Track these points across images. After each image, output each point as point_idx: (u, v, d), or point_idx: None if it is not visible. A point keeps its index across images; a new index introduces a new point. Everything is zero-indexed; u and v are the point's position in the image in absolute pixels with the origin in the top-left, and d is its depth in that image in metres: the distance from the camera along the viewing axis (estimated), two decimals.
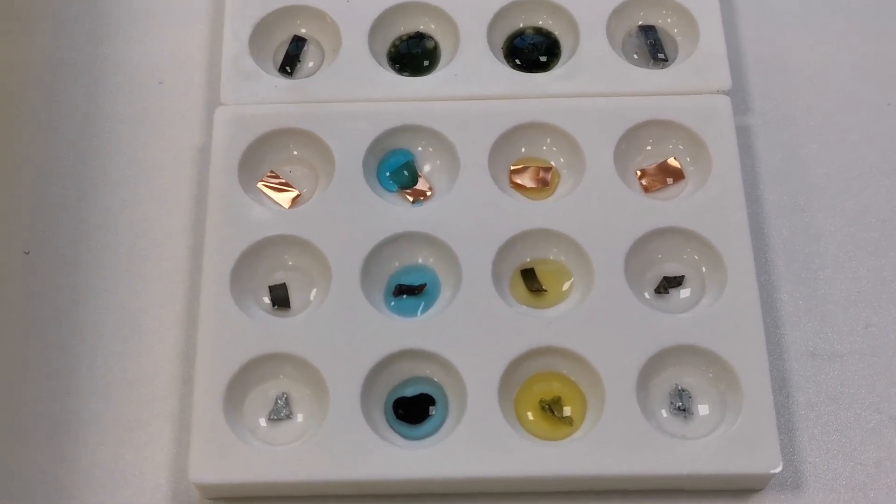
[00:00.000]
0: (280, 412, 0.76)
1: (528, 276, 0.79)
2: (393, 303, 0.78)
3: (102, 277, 0.79)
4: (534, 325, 0.77)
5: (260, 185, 0.80)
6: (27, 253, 0.77)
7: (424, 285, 0.78)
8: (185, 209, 0.81)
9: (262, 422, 0.75)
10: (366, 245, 0.78)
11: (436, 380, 0.76)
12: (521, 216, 0.79)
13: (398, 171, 0.80)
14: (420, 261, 0.80)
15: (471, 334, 0.76)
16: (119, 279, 0.79)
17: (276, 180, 0.80)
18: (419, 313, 0.78)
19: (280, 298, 0.78)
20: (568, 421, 0.76)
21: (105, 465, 0.74)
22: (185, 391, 0.77)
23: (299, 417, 0.75)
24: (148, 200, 0.80)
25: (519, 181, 0.80)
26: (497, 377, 0.75)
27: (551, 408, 0.76)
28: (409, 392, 0.76)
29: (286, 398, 0.76)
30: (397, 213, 0.79)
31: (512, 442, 0.73)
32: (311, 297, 0.78)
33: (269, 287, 0.78)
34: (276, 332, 0.76)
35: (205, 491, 0.74)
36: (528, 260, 0.80)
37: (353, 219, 0.79)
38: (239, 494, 0.74)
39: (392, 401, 0.76)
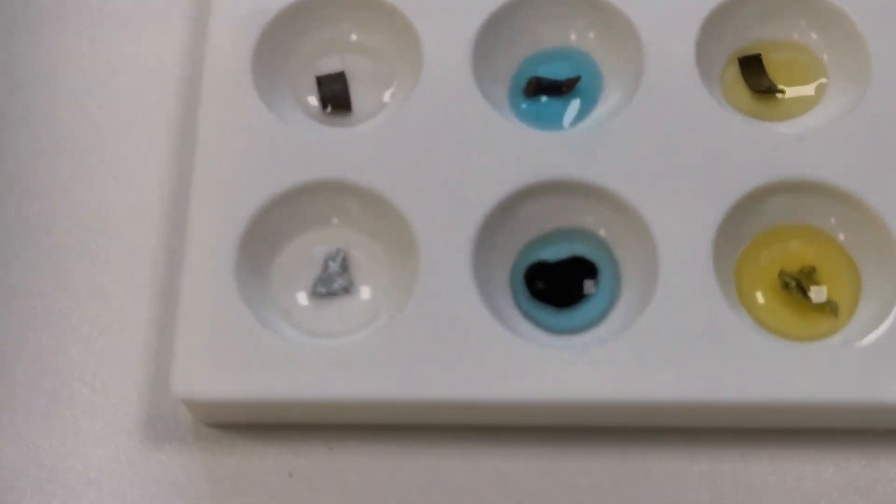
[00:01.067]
0: (332, 282, 0.52)
1: (753, 67, 0.56)
2: (525, 105, 0.55)
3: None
4: (767, 146, 0.53)
5: None
6: None
7: (578, 79, 0.55)
8: None
9: (303, 298, 0.52)
10: (480, 9, 0.55)
11: (599, 234, 0.53)
12: None
13: None
14: (573, 38, 0.56)
15: (658, 158, 0.52)
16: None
17: None
18: (567, 123, 0.55)
19: (335, 96, 0.55)
20: (829, 308, 0.51)
21: (43, 371, 0.53)
22: (172, 244, 0.54)
23: (364, 291, 0.52)
24: None
25: None
26: (709, 233, 0.51)
27: (799, 285, 0.52)
28: (553, 254, 0.53)
29: (343, 259, 0.52)
30: None
31: (732, 342, 0.49)
32: (386, 98, 0.56)
33: (318, 79, 0.56)
34: (329, 148, 0.53)
35: (201, 413, 0.51)
36: (753, 41, 0.56)
37: None
38: (261, 420, 0.51)
39: (525, 268, 0.53)
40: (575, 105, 0.55)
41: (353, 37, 0.55)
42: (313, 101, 0.55)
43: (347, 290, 0.51)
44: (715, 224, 0.50)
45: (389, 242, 0.52)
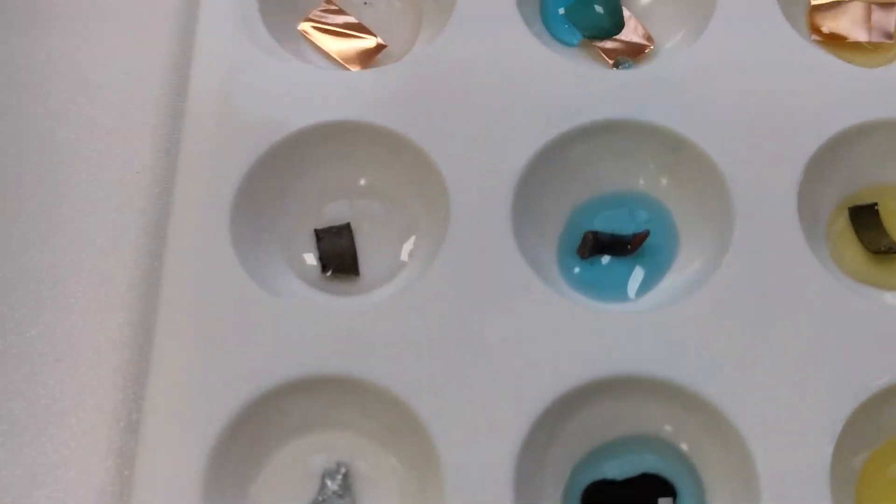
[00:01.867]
0: None
1: (865, 218, 0.45)
2: (578, 269, 0.45)
3: None
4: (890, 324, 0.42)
5: (304, 26, 0.49)
6: None
7: (646, 234, 0.45)
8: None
9: None
10: (525, 148, 0.44)
11: (679, 448, 0.41)
12: (842, 93, 0.45)
13: (583, 6, 0.48)
14: (641, 184, 0.45)
15: (758, 346, 0.41)
16: None
17: (337, 18, 0.49)
18: (634, 293, 0.44)
19: (339, 255, 0.45)
20: None
21: None
22: (122, 452, 0.42)
23: None
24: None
25: (830, 28, 0.48)
26: (824, 449, 0.40)
27: None
28: (619, 470, 0.41)
29: (344, 476, 0.41)
30: (586, 85, 0.45)
31: None
32: (405, 255, 0.45)
33: (317, 232, 0.45)
34: (329, 325, 0.42)
35: None
36: (862, 187, 0.45)
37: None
38: None
39: (583, 490, 0.41)
40: (640, 270, 0.44)
41: (362, 181, 0.45)
42: (311, 259, 0.44)
43: None
44: (832, 437, 0.39)
45: (406, 455, 0.40)
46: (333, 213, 0.45)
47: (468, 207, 0.43)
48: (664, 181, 0.44)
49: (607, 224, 0.44)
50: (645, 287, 0.43)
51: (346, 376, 0.40)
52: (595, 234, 0.44)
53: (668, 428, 0.40)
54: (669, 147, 0.43)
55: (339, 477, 0.40)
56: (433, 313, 0.41)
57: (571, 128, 0.43)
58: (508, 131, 0.44)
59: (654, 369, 0.40)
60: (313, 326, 0.41)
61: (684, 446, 0.40)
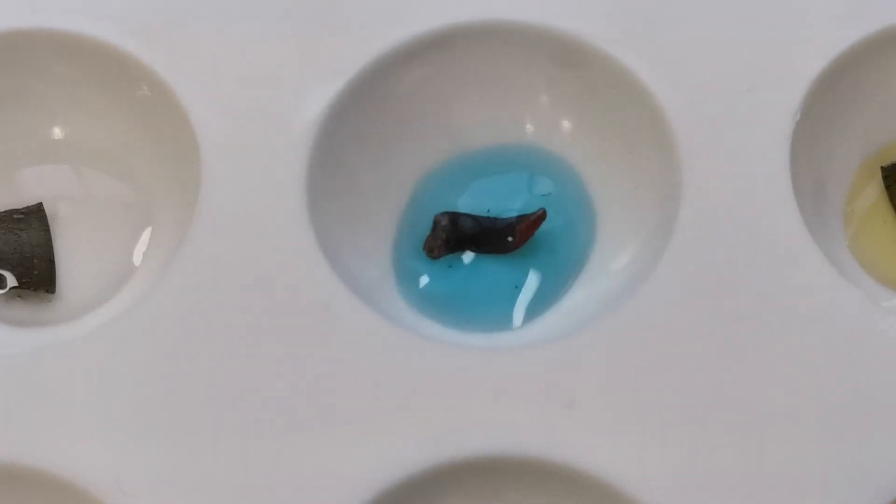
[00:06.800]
0: None
1: None
2: (427, 278, 0.34)
3: None
4: None
5: None
6: None
7: (540, 216, 0.34)
8: None
9: None
10: (332, 78, 0.33)
11: None
12: None
13: None
14: (528, 131, 0.35)
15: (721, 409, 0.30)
16: None
17: None
18: (520, 317, 0.33)
19: (22, 259, 0.34)
20: None
21: None
22: None
23: None
24: None
25: None
26: None
27: None
28: None
29: None
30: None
31: None
32: (137, 258, 0.34)
33: None
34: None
35: None
36: None
37: None
38: None
39: None
40: (531, 278, 0.32)
41: (56, 132, 0.34)
42: None
43: None
44: None
45: None
46: (17, 190, 0.33)
47: (233, 177, 0.31)
48: (566, 125, 0.32)
49: (477, 202, 0.33)
50: (539, 306, 0.31)
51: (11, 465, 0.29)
52: (452, 217, 0.32)
53: None
54: (570, 62, 0.31)
55: None
56: (165, 359, 0.29)
57: (407, 40, 0.31)
58: (303, 56, 0.32)
59: (549, 450, 0.28)
60: None
61: None
